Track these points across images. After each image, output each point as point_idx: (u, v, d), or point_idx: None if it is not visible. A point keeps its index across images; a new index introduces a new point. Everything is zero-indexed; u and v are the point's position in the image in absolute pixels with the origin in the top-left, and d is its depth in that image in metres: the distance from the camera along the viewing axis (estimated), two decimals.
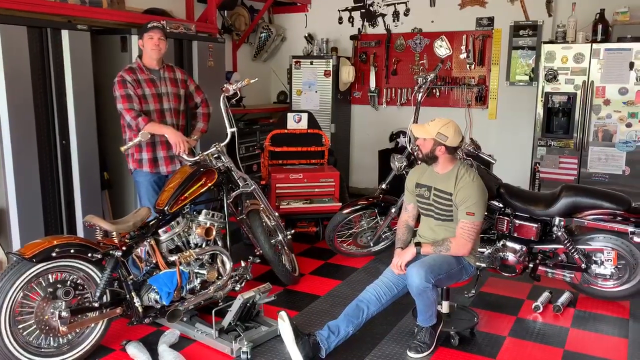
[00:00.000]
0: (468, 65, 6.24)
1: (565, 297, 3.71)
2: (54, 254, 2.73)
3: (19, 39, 3.65)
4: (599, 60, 4.98)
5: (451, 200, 3.08)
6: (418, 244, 3.09)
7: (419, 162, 3.25)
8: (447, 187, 3.10)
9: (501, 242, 3.71)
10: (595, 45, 4.99)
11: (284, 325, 2.94)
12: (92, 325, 2.97)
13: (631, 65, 4.86)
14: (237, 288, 3.43)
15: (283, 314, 2.96)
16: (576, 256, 3.59)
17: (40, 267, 2.75)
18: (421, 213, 3.30)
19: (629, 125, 4.96)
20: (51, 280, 2.84)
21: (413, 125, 3.18)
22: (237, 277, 3.45)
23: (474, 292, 3.80)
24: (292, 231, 4.17)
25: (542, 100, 5.25)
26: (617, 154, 5.05)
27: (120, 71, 3.64)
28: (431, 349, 3.09)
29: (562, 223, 3.55)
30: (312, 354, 2.91)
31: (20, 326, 2.77)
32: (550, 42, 5.27)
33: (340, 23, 6.91)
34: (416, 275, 2.89)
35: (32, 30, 3.73)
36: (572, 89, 5.12)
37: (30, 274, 2.72)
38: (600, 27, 5.03)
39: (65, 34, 3.92)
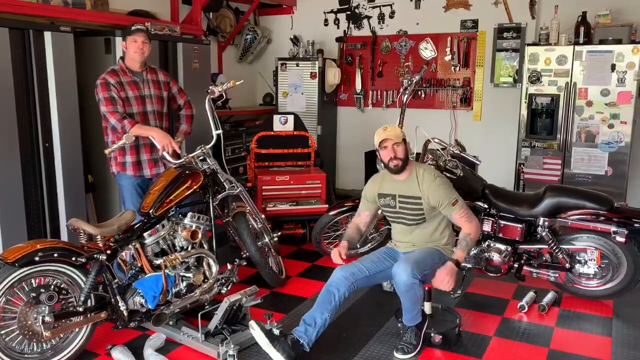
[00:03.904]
0: (453, 67, 6.29)
1: (549, 296, 3.74)
2: (37, 258, 2.69)
3: (1, 40, 3.60)
4: (582, 62, 5.05)
5: (421, 203, 3.11)
6: (454, 261, 3.02)
7: (395, 172, 3.14)
8: (412, 191, 3.12)
9: (486, 243, 3.74)
10: (577, 48, 5.06)
11: (256, 334, 2.96)
12: (77, 329, 2.94)
13: (613, 67, 4.93)
14: (223, 291, 3.41)
15: (252, 323, 2.98)
16: (560, 256, 3.62)
17: (23, 272, 2.71)
18: (390, 221, 3.32)
19: (611, 126, 5.02)
20: (34, 285, 2.80)
21: (386, 135, 3.08)
22: (223, 280, 3.43)
23: (459, 292, 3.82)
24: (279, 233, 4.16)
25: (526, 102, 5.30)
26: (599, 154, 5.11)
27: (103, 73, 3.60)
28: (417, 349, 3.10)
29: (547, 223, 3.59)
30: (295, 353, 2.91)
31: (2, 332, 2.73)
32: (534, 44, 5.33)
33: (325, 25, 6.92)
34: (403, 272, 2.90)
35: (14, 32, 3.69)
36: (555, 91, 5.18)
37: (12, 279, 2.69)
38: (582, 29, 5.10)
39: (47, 35, 3.88)
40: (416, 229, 3.19)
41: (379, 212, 3.74)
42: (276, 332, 3.15)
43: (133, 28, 3.60)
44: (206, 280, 3.33)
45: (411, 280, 2.90)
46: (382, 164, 3.18)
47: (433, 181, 3.10)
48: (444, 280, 2.96)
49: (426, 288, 3.21)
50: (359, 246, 4.61)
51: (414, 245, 3.20)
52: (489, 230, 3.74)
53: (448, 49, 6.27)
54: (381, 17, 6.61)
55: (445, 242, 3.22)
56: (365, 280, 3.12)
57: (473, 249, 3.74)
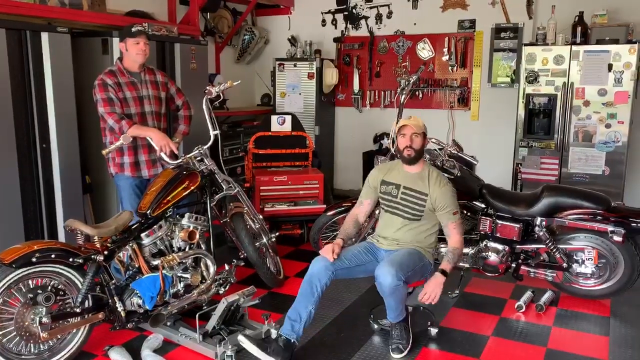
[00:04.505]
0: (450, 68, 6.29)
1: (547, 296, 3.75)
2: (34, 259, 2.69)
3: None
4: (579, 62, 5.06)
5: (425, 199, 3.12)
6: (444, 272, 3.06)
7: (407, 162, 3.18)
8: (420, 186, 3.14)
9: (484, 243, 3.74)
10: (574, 47, 5.06)
11: (247, 346, 2.96)
12: (74, 330, 2.94)
13: (610, 66, 4.94)
14: (221, 291, 3.41)
15: (241, 337, 2.98)
16: (558, 255, 3.63)
17: (20, 273, 2.70)
18: (385, 211, 3.30)
19: (608, 125, 5.03)
20: (31, 286, 2.79)
21: (408, 122, 3.15)
22: (221, 281, 3.43)
23: (457, 292, 3.82)
24: (277, 233, 4.16)
25: (523, 102, 5.30)
26: (597, 154, 5.12)
27: (101, 74, 3.59)
28: (410, 342, 3.12)
29: (544, 223, 3.59)
30: (289, 353, 2.93)
31: None
32: (531, 44, 5.33)
33: (323, 25, 6.92)
34: (388, 274, 2.89)
35: (10, 33, 3.68)
36: (553, 91, 5.18)
37: (9, 280, 2.68)
38: (579, 29, 5.11)
39: (44, 36, 3.88)
40: (407, 226, 3.19)
41: (377, 212, 3.74)
42: (273, 332, 3.16)
43: (134, 30, 3.59)
44: (204, 281, 3.33)
45: (396, 282, 2.89)
46: (396, 152, 3.21)
47: (445, 185, 3.15)
48: (432, 292, 3.01)
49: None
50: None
51: (398, 244, 3.19)
52: (487, 230, 3.74)
53: (445, 49, 6.28)
54: (379, 18, 6.62)
55: (428, 245, 3.23)
56: (345, 272, 3.11)
57: (471, 248, 3.75)
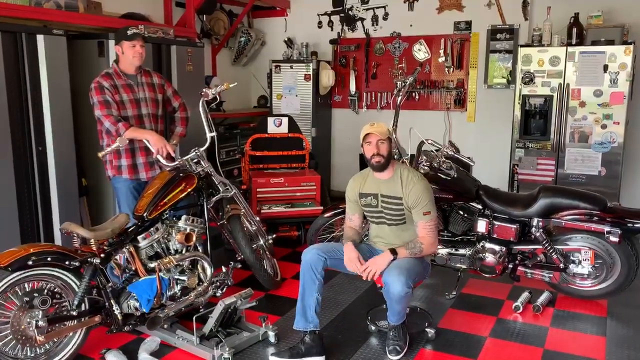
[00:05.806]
0: (446, 69, 6.30)
1: (544, 296, 3.75)
2: (30, 263, 2.68)
3: None
4: (574, 63, 5.07)
5: (402, 204, 3.10)
6: (394, 252, 3.03)
7: (378, 170, 3.13)
8: (395, 191, 3.11)
9: (481, 244, 3.74)
10: (570, 49, 5.08)
11: None
12: (70, 334, 2.93)
13: (605, 67, 4.96)
14: (218, 294, 3.40)
15: (272, 358, 3.03)
16: (554, 256, 3.63)
17: (16, 276, 2.69)
18: (372, 222, 3.29)
19: (604, 126, 5.04)
20: (27, 289, 2.79)
21: (372, 130, 3.07)
22: (218, 283, 3.43)
23: (455, 293, 3.82)
24: (274, 235, 4.16)
25: (519, 103, 5.32)
26: (593, 155, 5.13)
27: (97, 77, 3.59)
28: (407, 343, 3.12)
29: (541, 224, 3.59)
30: (320, 342, 3.02)
31: None
32: (527, 45, 5.35)
33: (319, 27, 6.92)
34: (398, 282, 2.88)
35: (6, 35, 3.67)
36: (549, 92, 5.20)
37: (5, 283, 2.67)
38: (574, 30, 5.13)
39: (40, 38, 3.86)
40: (396, 232, 3.18)
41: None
42: (271, 334, 3.16)
43: (130, 32, 3.58)
44: (201, 283, 3.33)
45: (405, 290, 2.89)
46: (365, 160, 3.16)
47: (417, 182, 3.09)
48: (374, 268, 3.00)
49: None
50: None
51: (393, 246, 3.17)
52: (484, 231, 3.75)
53: (442, 51, 6.28)
54: (375, 19, 6.62)
55: None
56: (337, 262, 3.12)
57: (468, 249, 3.75)
